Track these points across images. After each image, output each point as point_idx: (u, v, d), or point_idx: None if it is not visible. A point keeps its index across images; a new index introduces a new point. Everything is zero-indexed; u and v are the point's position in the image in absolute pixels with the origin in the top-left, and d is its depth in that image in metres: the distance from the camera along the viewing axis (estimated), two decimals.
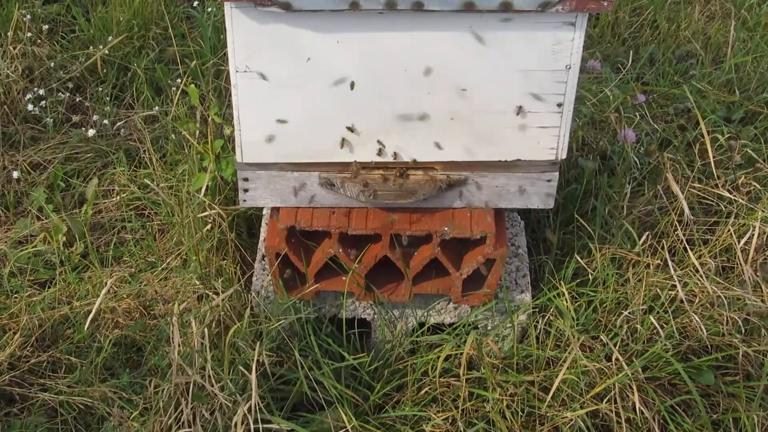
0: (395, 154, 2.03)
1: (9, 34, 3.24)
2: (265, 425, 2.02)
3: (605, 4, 1.81)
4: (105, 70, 3.28)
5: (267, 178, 2.09)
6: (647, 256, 2.40)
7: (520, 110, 1.97)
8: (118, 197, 2.81)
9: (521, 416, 2.15)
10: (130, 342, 2.35)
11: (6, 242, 2.67)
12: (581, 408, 2.11)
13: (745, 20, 3.72)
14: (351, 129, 1.99)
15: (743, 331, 2.28)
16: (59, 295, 2.47)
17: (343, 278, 2.20)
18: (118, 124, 3.11)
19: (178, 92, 2.96)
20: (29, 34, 3.30)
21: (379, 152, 2.03)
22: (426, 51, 1.88)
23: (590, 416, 2.16)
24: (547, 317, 2.30)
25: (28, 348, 2.31)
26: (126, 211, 2.78)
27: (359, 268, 2.16)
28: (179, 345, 2.03)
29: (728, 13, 3.77)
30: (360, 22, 1.83)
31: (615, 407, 2.11)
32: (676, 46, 3.57)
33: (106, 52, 3.26)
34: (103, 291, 2.04)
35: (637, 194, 2.69)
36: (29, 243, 2.66)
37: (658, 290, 2.32)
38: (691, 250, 2.40)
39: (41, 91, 3.18)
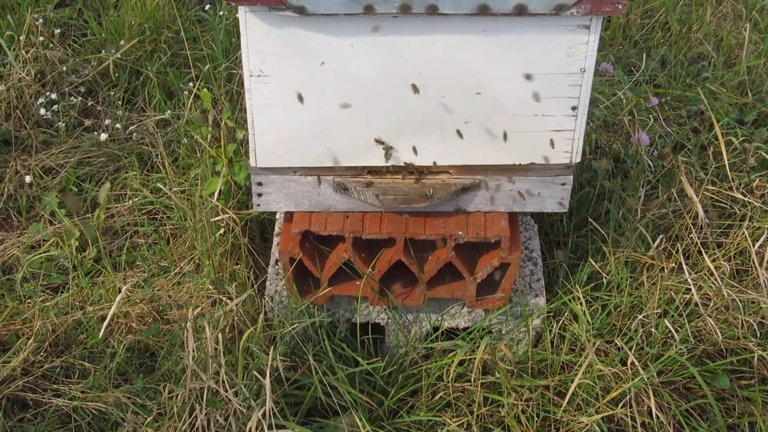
0: (409, 158, 2.03)
1: (21, 38, 3.24)
2: (279, 431, 2.02)
3: (619, 6, 1.80)
4: (117, 74, 3.28)
5: (281, 182, 2.09)
6: (661, 260, 2.39)
7: (534, 114, 1.96)
8: (131, 201, 2.81)
9: (536, 421, 2.14)
10: (144, 347, 2.35)
11: (19, 247, 2.68)
12: (597, 413, 2.11)
13: (756, 22, 3.71)
14: (364, 134, 1.98)
15: (758, 334, 2.27)
16: (72, 300, 2.47)
17: (357, 282, 2.20)
18: (131, 128, 3.11)
19: (191, 96, 2.96)
20: (41, 38, 3.31)
21: (394, 156, 2.02)
22: (440, 54, 1.87)
23: (606, 421, 2.14)
24: (561, 321, 2.29)
25: (41, 353, 2.31)
26: (138, 216, 2.78)
27: (373, 272, 2.15)
28: (193, 350, 2.03)
29: (740, 14, 3.75)
30: (374, 26, 1.83)
31: (630, 412, 2.11)
32: (688, 48, 3.56)
33: (119, 55, 3.27)
34: (118, 297, 2.04)
35: (651, 197, 2.68)
36: (42, 248, 2.66)
37: (673, 294, 2.31)
38: (706, 253, 2.38)
39: (53, 95, 3.18)
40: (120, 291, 2.10)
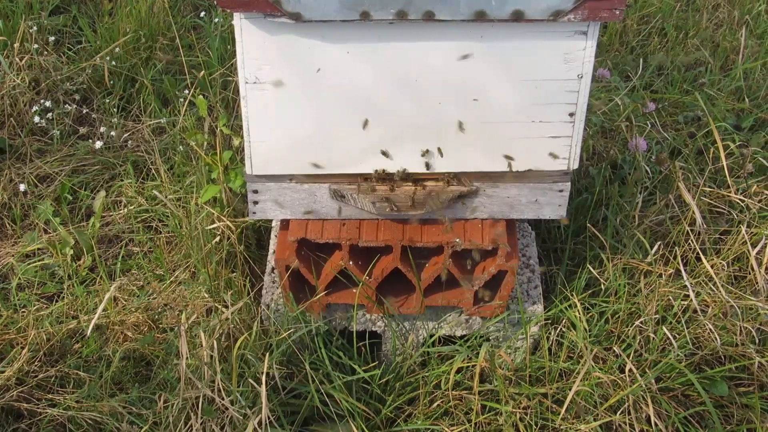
0: (406, 165, 2.01)
1: (15, 45, 3.23)
2: None
3: (617, 12, 1.79)
4: (112, 81, 3.27)
5: (277, 190, 2.07)
6: (659, 266, 2.38)
7: (531, 120, 1.95)
8: (126, 209, 2.80)
9: (534, 429, 2.13)
10: (139, 356, 2.34)
11: (13, 256, 2.66)
12: (595, 420, 2.09)
13: (752, 28, 3.71)
14: (361, 141, 1.97)
15: (757, 340, 2.26)
16: (67, 309, 2.45)
17: (354, 290, 2.18)
18: (126, 135, 3.10)
19: (186, 103, 2.95)
20: (36, 46, 3.30)
21: (390, 163, 2.01)
22: (437, 61, 1.86)
23: (604, 428, 2.14)
24: (559, 329, 2.28)
25: (36, 363, 2.30)
26: (134, 224, 2.76)
27: (370, 280, 2.14)
28: (187, 358, 2.01)
29: (735, 19, 3.75)
30: (370, 33, 1.82)
31: (629, 419, 2.09)
32: (685, 53, 3.55)
33: (113, 63, 3.25)
34: (106, 297, 2.03)
35: (648, 203, 2.67)
36: (36, 256, 2.64)
37: (671, 300, 2.30)
38: (704, 259, 2.37)
39: (48, 103, 3.17)
40: (113, 295, 2.08)
